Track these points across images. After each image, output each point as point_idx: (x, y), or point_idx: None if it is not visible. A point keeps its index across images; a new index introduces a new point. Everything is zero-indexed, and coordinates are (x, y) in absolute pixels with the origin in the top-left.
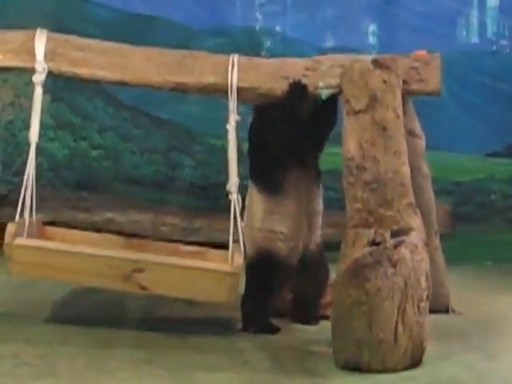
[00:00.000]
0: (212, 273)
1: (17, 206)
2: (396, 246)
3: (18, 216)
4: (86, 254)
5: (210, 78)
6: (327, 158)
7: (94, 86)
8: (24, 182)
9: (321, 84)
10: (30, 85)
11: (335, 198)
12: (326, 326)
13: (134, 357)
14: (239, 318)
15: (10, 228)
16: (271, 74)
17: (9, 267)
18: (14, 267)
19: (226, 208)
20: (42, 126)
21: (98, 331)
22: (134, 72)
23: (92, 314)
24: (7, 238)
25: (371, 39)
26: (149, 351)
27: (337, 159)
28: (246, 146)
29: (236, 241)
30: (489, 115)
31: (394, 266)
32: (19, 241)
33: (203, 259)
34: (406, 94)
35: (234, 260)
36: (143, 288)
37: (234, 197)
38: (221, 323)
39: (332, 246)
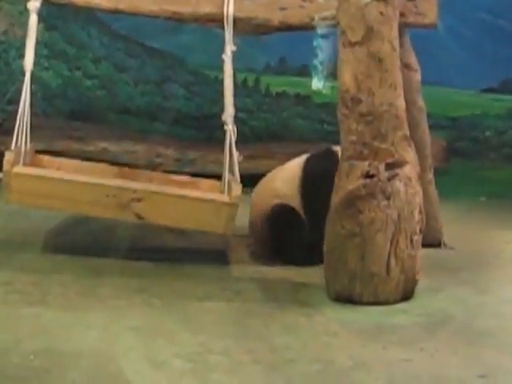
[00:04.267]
0: (211, 203)
1: (11, 134)
2: (390, 179)
3: (13, 144)
4: (85, 183)
5: (206, 8)
6: (322, 92)
7: (88, 15)
8: (19, 111)
9: (316, 17)
10: (25, 14)
11: (330, 132)
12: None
13: (127, 285)
14: (232, 247)
15: (9, 156)
16: (268, 5)
17: (6, 195)
18: (11, 195)
19: (219, 139)
20: (36, 55)
21: (91, 260)
22: (130, 0)
23: (85, 242)
24: (6, 165)
25: None
26: (141, 280)
27: (331, 92)
28: (241, 77)
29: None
30: (485, 51)
31: (388, 198)
32: (18, 169)
33: (196, 189)
34: (403, 27)
35: (231, 190)
36: (140, 217)
37: (230, 128)
38: (213, 253)
39: None
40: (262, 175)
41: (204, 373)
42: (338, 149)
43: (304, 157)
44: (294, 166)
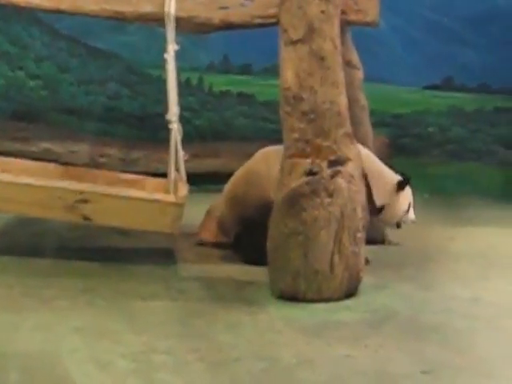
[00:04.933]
0: (157, 203)
1: None
2: (332, 176)
3: None
4: (30, 185)
5: (146, 7)
6: (265, 90)
7: (30, 15)
8: None
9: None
10: None
11: (274, 130)
12: None
13: (72, 286)
14: (177, 247)
15: None
16: (209, 4)
17: None
18: None
19: (164, 139)
20: None
21: (36, 261)
22: (71, 0)
23: (29, 243)
24: None
25: None
26: (86, 280)
27: (275, 91)
28: (184, 76)
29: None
30: (428, 48)
31: (331, 195)
32: None
33: (142, 187)
34: (345, 25)
35: (178, 190)
36: (86, 218)
37: (175, 126)
38: (160, 253)
39: None
40: (207, 174)
41: (148, 372)
42: None
43: None
44: None
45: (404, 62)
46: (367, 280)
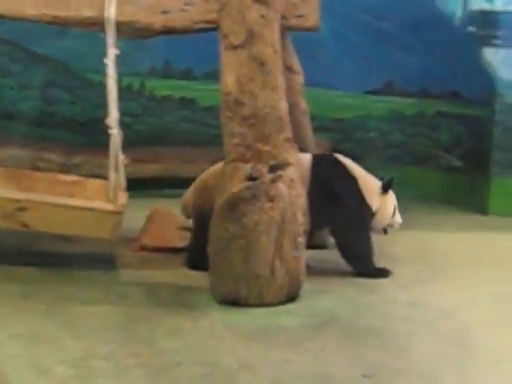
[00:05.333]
0: (96, 212)
1: None
2: (273, 181)
3: None
4: None
5: (87, 12)
6: (207, 95)
7: None
8: None
9: None
10: None
11: (215, 135)
12: None
13: (11, 291)
14: (118, 253)
15: None
16: (150, 9)
17: None
18: None
19: (105, 144)
20: None
21: None
22: (10, 4)
23: None
24: None
25: None
26: (26, 286)
27: (217, 96)
28: (126, 81)
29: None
30: (368, 53)
31: (271, 200)
32: None
33: (82, 189)
34: (285, 30)
35: (117, 198)
36: (25, 226)
37: (114, 131)
38: (100, 258)
39: None
40: (148, 179)
41: (88, 378)
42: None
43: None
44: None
45: (345, 67)
46: (308, 284)
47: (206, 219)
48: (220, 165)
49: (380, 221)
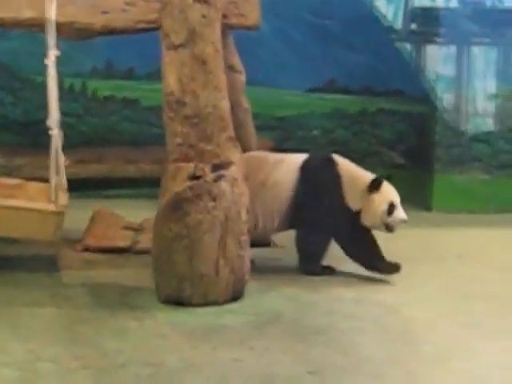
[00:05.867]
0: (37, 212)
1: None
2: (216, 180)
3: None
4: None
5: (27, 13)
6: (149, 95)
7: None
8: None
9: None
10: None
11: (159, 135)
12: (148, 261)
13: None
14: (61, 254)
15: None
16: (90, 9)
17: None
18: None
19: (47, 145)
20: None
21: None
22: None
23: None
24: None
25: None
26: None
27: (159, 95)
28: (67, 81)
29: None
30: (310, 51)
31: (214, 199)
32: None
33: (24, 191)
34: (226, 29)
35: (58, 199)
36: None
37: (55, 132)
38: (42, 260)
39: (157, 182)
40: (91, 179)
41: (33, 381)
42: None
43: (300, 160)
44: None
45: (287, 65)
46: (253, 283)
47: None
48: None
49: (367, 219)
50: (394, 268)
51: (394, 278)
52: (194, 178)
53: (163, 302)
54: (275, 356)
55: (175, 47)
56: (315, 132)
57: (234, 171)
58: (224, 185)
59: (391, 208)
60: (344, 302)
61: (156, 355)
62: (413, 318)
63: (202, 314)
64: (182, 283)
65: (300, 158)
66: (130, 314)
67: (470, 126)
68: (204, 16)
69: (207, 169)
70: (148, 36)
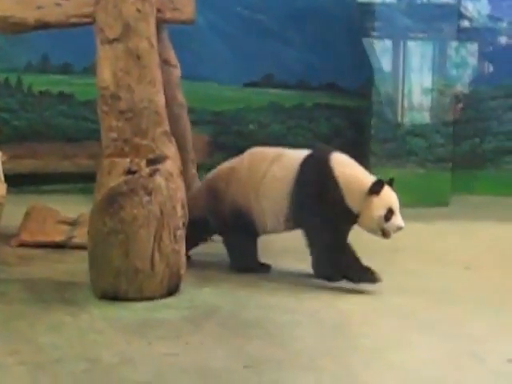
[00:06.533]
0: None
1: None
2: (151, 175)
3: None
4: None
5: None
6: (85, 89)
7: None
8: None
9: None
10: None
11: (94, 130)
12: (83, 256)
13: None
14: None
15: None
16: (24, 3)
17: None
18: None
19: None
20: None
21: None
22: None
23: None
24: None
25: None
26: None
27: (95, 90)
28: (2, 76)
29: None
30: (246, 46)
31: (150, 194)
32: None
33: None
34: (161, 23)
35: None
36: None
37: None
38: None
39: (92, 177)
40: (26, 175)
41: None
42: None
43: (298, 160)
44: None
45: (223, 60)
46: (189, 277)
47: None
48: (227, 164)
49: (364, 223)
50: (373, 277)
51: None
52: (129, 172)
53: (99, 297)
54: (211, 350)
55: (110, 41)
56: (251, 126)
57: (169, 166)
58: (159, 179)
59: (389, 214)
60: (280, 295)
61: (92, 350)
62: (349, 312)
63: (137, 309)
64: (118, 278)
65: (301, 155)
66: (66, 310)
67: (406, 120)
68: (138, 10)
69: (142, 163)
70: (84, 30)
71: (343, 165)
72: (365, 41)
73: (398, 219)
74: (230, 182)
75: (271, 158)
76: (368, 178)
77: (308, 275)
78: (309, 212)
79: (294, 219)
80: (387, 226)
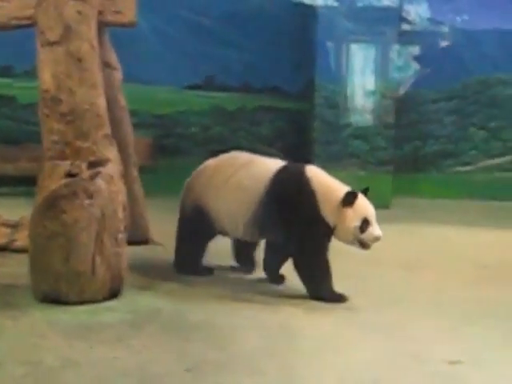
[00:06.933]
0: None
1: None
2: (92, 178)
3: None
4: None
5: None
6: (27, 92)
7: None
8: None
9: None
10: None
11: (36, 132)
12: (24, 259)
13: None
14: None
15: None
16: None
17: None
18: None
19: None
20: None
21: None
22: None
23: None
24: None
25: None
26: None
27: (36, 93)
28: None
29: None
30: (188, 48)
31: (91, 197)
32: None
33: None
34: (102, 26)
35: None
36: None
37: None
38: None
39: (34, 180)
40: None
41: None
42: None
43: (271, 171)
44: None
45: (165, 63)
46: (131, 280)
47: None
48: (202, 165)
49: (340, 235)
50: (339, 297)
51: None
52: (70, 175)
53: (40, 301)
54: (153, 353)
55: (50, 44)
56: (193, 129)
57: (110, 169)
58: (100, 182)
59: (365, 224)
60: (222, 298)
61: (33, 354)
62: (290, 314)
63: (79, 312)
64: (59, 281)
65: (274, 165)
66: (6, 313)
67: (348, 123)
68: (79, 12)
69: (83, 166)
70: (26, 33)
71: (319, 176)
72: (307, 44)
73: (374, 229)
74: (197, 180)
75: (240, 164)
76: (342, 190)
77: (248, 277)
78: (284, 225)
79: (261, 229)
80: (364, 236)
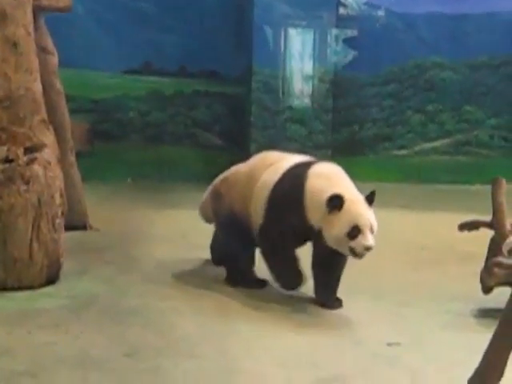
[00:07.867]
0: None
1: None
2: (28, 163)
3: None
4: None
5: None
6: None
7: None
8: None
9: None
10: None
11: None
12: None
13: None
14: None
15: None
16: None
17: None
18: None
19: None
20: None
21: None
22: None
23: None
24: None
25: None
26: None
27: None
28: None
29: None
30: (126, 33)
31: (27, 182)
32: None
33: None
34: (38, 10)
35: None
36: None
37: None
38: None
39: None
40: None
41: None
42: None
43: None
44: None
45: (102, 47)
46: (69, 266)
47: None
48: (233, 170)
49: (328, 240)
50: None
51: (202, 260)
52: (7, 161)
53: None
54: (91, 339)
55: None
56: (131, 114)
57: (47, 154)
58: (37, 168)
59: (354, 232)
60: (159, 283)
61: None
62: (228, 298)
63: (16, 299)
64: None
65: (294, 160)
66: None
67: (286, 107)
68: None
69: (20, 152)
70: None
71: (319, 176)
72: (245, 28)
73: (365, 238)
74: (230, 186)
75: (269, 163)
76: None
77: (186, 262)
78: (269, 224)
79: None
80: (353, 244)
